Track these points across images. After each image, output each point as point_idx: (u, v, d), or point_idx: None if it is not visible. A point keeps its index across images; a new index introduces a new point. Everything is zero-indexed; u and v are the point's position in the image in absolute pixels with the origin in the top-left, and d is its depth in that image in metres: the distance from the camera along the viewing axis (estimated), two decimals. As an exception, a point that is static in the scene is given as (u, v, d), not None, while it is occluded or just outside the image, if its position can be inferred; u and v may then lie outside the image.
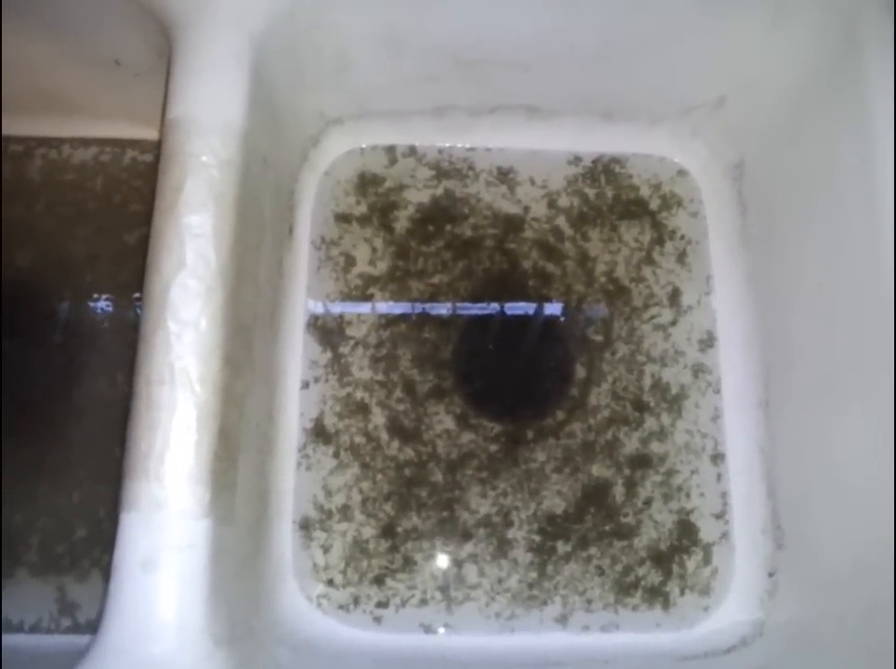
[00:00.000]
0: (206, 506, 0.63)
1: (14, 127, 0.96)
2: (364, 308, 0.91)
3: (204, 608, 0.61)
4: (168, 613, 0.60)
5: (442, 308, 0.92)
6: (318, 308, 0.90)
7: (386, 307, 0.91)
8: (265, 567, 0.79)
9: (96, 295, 0.92)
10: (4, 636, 0.82)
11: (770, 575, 0.83)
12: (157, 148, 0.90)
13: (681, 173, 0.97)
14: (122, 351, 0.90)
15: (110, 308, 0.92)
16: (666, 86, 0.91)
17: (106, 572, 0.63)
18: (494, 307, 0.92)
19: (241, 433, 0.71)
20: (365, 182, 0.94)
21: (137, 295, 0.91)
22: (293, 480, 0.85)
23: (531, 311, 0.92)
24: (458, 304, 0.92)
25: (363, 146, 0.95)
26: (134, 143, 0.96)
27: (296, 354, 0.88)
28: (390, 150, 0.95)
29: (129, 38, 0.81)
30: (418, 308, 0.91)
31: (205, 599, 0.61)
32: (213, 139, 0.69)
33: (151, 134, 0.95)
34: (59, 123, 0.96)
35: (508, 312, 0.92)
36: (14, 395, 0.89)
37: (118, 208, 0.94)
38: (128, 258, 0.92)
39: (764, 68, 0.84)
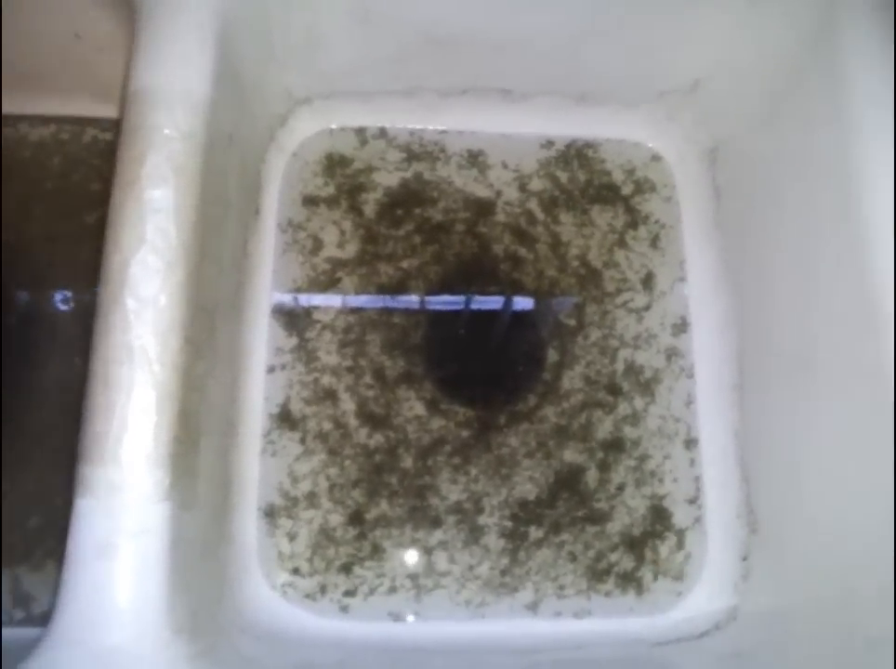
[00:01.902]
0: (166, 490, 0.60)
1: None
2: (332, 292, 0.89)
3: (162, 595, 0.59)
4: (124, 601, 0.57)
5: (413, 293, 0.90)
6: (284, 291, 0.88)
7: (354, 291, 0.89)
8: (229, 554, 0.77)
9: (53, 277, 0.89)
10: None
11: (744, 560, 0.83)
12: (119, 125, 0.87)
13: (655, 158, 0.96)
14: (81, 335, 0.87)
15: (68, 291, 0.89)
16: (641, 70, 0.90)
17: (61, 561, 0.60)
18: (465, 291, 0.91)
19: (202, 416, 0.69)
20: (333, 163, 0.92)
21: (97, 276, 0.88)
22: (258, 467, 0.83)
23: (502, 296, 0.91)
24: (429, 288, 0.90)
25: (333, 127, 0.93)
26: (94, 121, 0.93)
27: (262, 338, 0.86)
28: (360, 131, 0.93)
29: (90, 10, 0.79)
30: (387, 292, 0.89)
31: (164, 587, 0.59)
32: (176, 112, 0.66)
33: (112, 111, 0.92)
34: (16, 100, 0.92)
35: (480, 297, 0.91)
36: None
37: (77, 187, 0.91)
38: (87, 239, 0.89)
39: (739, 51, 0.84)
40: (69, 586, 0.58)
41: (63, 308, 0.89)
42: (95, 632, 0.57)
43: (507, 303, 0.91)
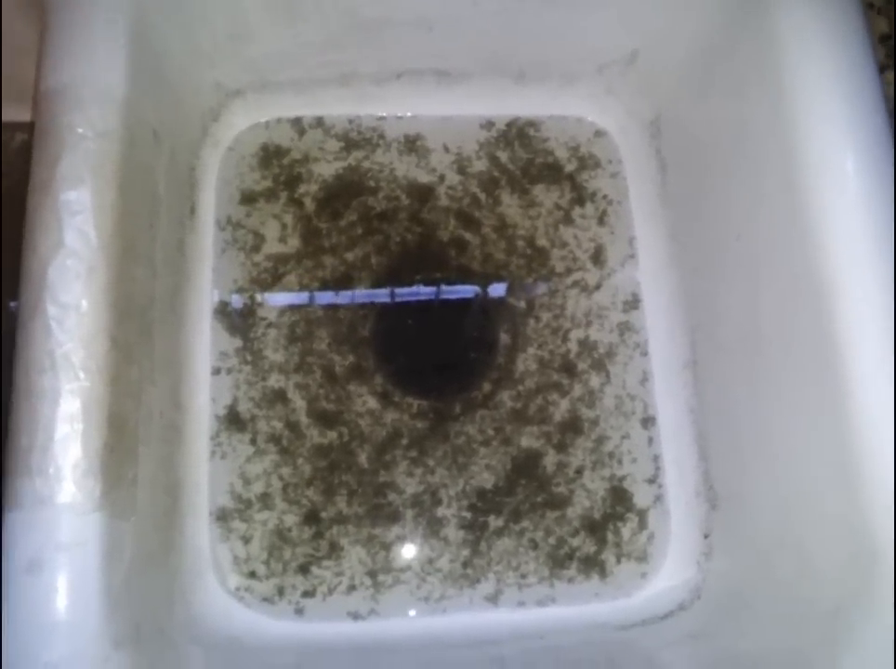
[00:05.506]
0: (97, 500, 0.58)
1: None
2: (275, 289, 0.86)
3: (99, 608, 0.57)
4: (58, 617, 0.55)
5: (358, 285, 0.88)
6: (225, 291, 0.86)
7: (298, 287, 0.87)
8: (179, 562, 0.75)
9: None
10: None
11: (706, 537, 0.81)
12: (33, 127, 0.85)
13: (599, 133, 0.94)
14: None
15: (9, 299, 0.87)
16: (578, 43, 0.88)
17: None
18: (411, 280, 0.89)
19: (140, 423, 0.67)
20: (269, 155, 0.90)
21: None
22: (207, 470, 0.81)
23: (450, 283, 0.89)
24: (375, 280, 0.88)
25: (268, 119, 0.90)
26: (22, 126, 0.90)
27: (205, 339, 0.83)
28: (297, 122, 0.91)
29: (3, 11, 0.76)
30: (332, 286, 0.87)
31: (101, 599, 0.57)
32: (89, 110, 0.64)
33: (38, 115, 0.90)
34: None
35: (427, 285, 0.89)
36: None
37: (8, 194, 0.89)
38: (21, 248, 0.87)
39: (675, 18, 0.81)
40: (2, 604, 0.56)
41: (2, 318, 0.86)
42: (30, 649, 0.55)
43: (456, 290, 0.89)
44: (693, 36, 0.81)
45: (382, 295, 0.88)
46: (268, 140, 0.90)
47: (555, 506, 0.84)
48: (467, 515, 0.83)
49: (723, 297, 0.81)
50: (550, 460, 0.85)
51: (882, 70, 0.87)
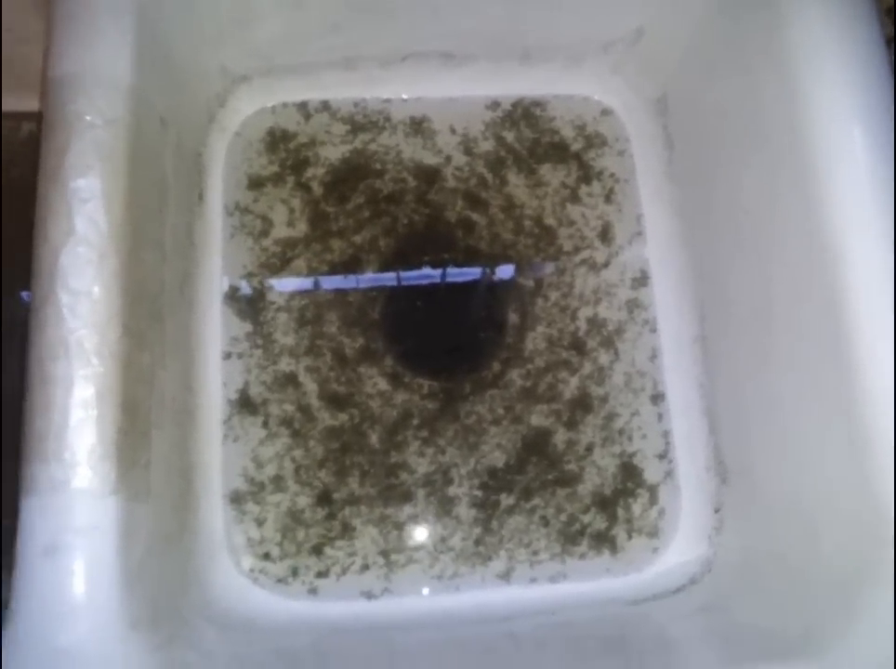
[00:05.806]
0: (113, 483, 0.59)
1: None
2: (284, 273, 0.87)
3: (116, 590, 0.58)
4: (77, 598, 0.56)
5: (367, 268, 0.88)
6: (235, 277, 0.86)
7: (307, 271, 0.87)
8: (194, 544, 0.76)
9: (5, 278, 0.88)
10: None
11: (717, 511, 0.82)
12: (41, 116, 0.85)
13: (605, 112, 0.94)
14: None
15: (22, 290, 0.88)
16: (583, 22, 0.88)
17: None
18: (420, 262, 0.89)
19: (152, 407, 0.68)
20: (276, 140, 0.90)
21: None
22: (220, 454, 0.81)
23: (458, 264, 0.89)
24: (383, 262, 0.88)
25: (274, 104, 0.91)
26: (30, 116, 0.91)
27: (215, 324, 0.84)
28: (303, 106, 0.91)
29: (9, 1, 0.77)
30: (341, 269, 0.88)
31: (118, 581, 0.58)
32: (97, 97, 0.64)
33: (45, 104, 0.90)
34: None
35: (435, 266, 0.89)
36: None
37: (18, 184, 0.89)
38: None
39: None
40: (19, 588, 0.57)
41: (18, 306, 0.87)
42: (49, 631, 0.56)
43: (464, 270, 0.89)
44: (698, 13, 0.81)
45: (390, 277, 0.88)
46: (274, 125, 0.90)
47: (566, 484, 0.84)
48: (479, 493, 0.84)
49: (732, 272, 0.81)
50: (560, 438, 0.85)
51: (890, 42, 0.86)
